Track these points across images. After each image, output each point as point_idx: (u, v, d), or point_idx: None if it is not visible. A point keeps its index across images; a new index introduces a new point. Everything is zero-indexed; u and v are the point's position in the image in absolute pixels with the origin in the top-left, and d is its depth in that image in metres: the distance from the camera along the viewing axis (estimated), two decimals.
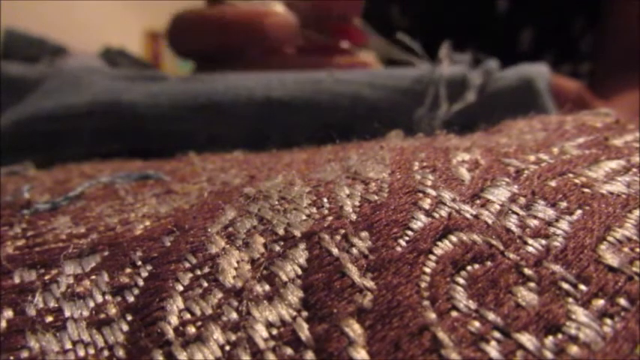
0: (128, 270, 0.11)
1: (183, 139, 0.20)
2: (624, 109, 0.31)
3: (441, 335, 0.09)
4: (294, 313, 0.10)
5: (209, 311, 0.10)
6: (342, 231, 0.11)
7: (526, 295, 0.10)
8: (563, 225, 0.11)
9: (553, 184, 0.12)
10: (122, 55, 0.29)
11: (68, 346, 0.10)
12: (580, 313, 0.09)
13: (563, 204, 0.12)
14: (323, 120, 0.22)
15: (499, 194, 0.12)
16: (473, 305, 0.10)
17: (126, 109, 0.23)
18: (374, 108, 0.22)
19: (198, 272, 0.11)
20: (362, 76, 0.24)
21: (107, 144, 0.22)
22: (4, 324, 0.10)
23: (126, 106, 0.23)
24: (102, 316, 0.10)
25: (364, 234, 0.11)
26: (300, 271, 0.10)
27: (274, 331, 0.10)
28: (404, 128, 0.18)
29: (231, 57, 0.27)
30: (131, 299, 0.11)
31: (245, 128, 0.22)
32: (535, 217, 0.11)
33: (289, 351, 0.09)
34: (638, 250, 0.10)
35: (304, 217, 0.12)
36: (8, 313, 0.11)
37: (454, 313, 0.09)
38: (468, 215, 0.11)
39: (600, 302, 0.09)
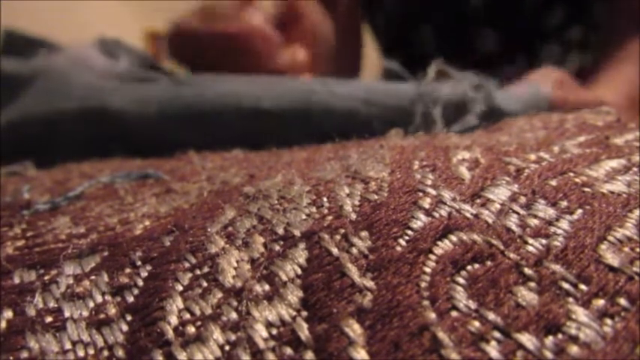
0: (128, 270, 0.11)
1: (172, 149, 0.20)
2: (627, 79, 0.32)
3: (441, 335, 0.09)
4: (294, 313, 0.10)
5: (209, 311, 0.10)
6: (342, 230, 0.11)
7: (526, 295, 0.10)
8: (564, 224, 0.11)
9: (553, 183, 0.12)
10: (118, 45, 0.28)
11: (68, 346, 0.10)
12: (580, 313, 0.09)
13: (564, 203, 0.12)
14: (314, 134, 0.22)
15: (499, 193, 0.12)
16: (473, 305, 0.10)
17: (114, 117, 0.23)
18: (367, 125, 0.22)
19: (198, 272, 0.11)
20: (359, 91, 0.23)
21: (97, 150, 0.22)
22: (4, 324, 0.10)
23: (114, 114, 0.23)
24: (102, 316, 0.10)
25: (364, 233, 0.11)
26: (299, 271, 0.10)
27: (274, 331, 0.10)
28: None
29: (221, 68, 0.28)
30: (131, 299, 0.11)
31: (234, 140, 0.22)
32: (535, 217, 0.11)
33: (289, 351, 0.09)
34: (638, 249, 0.10)
35: (304, 217, 0.12)
36: (8, 314, 0.11)
37: (454, 313, 0.09)
38: (468, 215, 0.11)
39: (600, 302, 0.09)
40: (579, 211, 0.11)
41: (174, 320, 0.10)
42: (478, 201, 0.12)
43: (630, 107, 0.30)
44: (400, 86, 0.24)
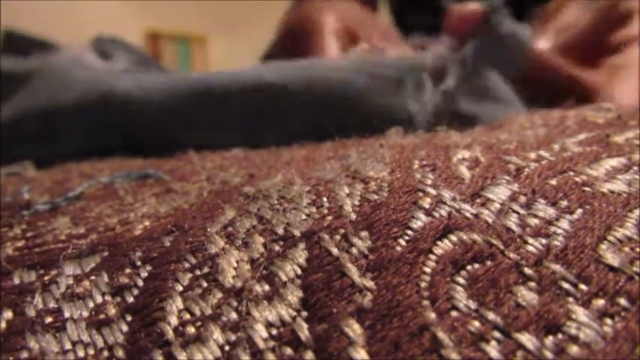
0: (128, 270, 0.11)
1: (178, 129, 0.20)
2: None
3: (441, 335, 0.09)
4: (294, 313, 0.10)
5: (209, 311, 0.10)
6: (342, 230, 0.11)
7: (526, 295, 0.10)
8: (564, 224, 0.11)
9: (554, 182, 0.12)
10: (114, 43, 0.28)
11: (68, 346, 0.10)
12: (580, 313, 0.09)
13: (564, 203, 0.12)
14: (317, 104, 0.22)
15: (499, 193, 0.12)
16: (473, 305, 0.10)
17: (117, 101, 0.23)
18: (364, 93, 0.23)
19: (198, 272, 0.11)
20: (349, 63, 0.24)
21: (100, 139, 0.22)
22: (3, 325, 0.10)
23: (118, 98, 0.23)
24: (101, 316, 0.10)
25: (364, 233, 0.11)
26: (299, 271, 0.10)
27: (274, 331, 0.10)
28: (396, 114, 0.18)
29: None
30: (131, 299, 0.11)
31: (240, 115, 0.22)
32: (535, 216, 0.11)
33: (289, 351, 0.09)
34: (638, 249, 0.10)
35: (304, 217, 0.12)
36: (8, 314, 0.11)
37: (454, 313, 0.09)
38: (468, 214, 0.11)
39: (601, 302, 0.09)
40: (579, 210, 0.11)
41: (174, 320, 0.10)
42: (478, 200, 0.12)
43: None
44: (388, 58, 0.25)
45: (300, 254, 0.11)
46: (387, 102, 0.22)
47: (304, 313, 0.10)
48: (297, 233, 0.11)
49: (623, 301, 0.09)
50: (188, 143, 0.20)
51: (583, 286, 0.10)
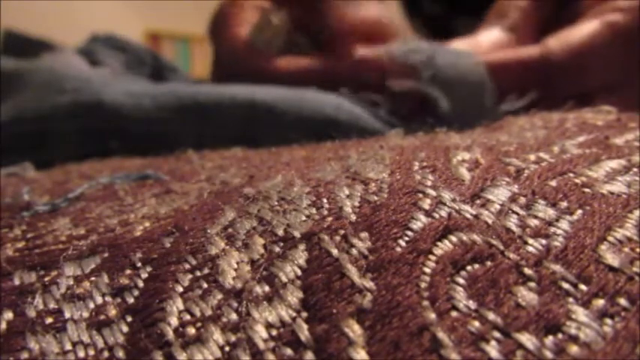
0: (128, 271, 0.11)
1: (170, 141, 0.20)
2: None
3: (441, 335, 0.09)
4: (294, 314, 0.10)
5: (209, 312, 0.10)
6: (342, 231, 0.11)
7: (526, 295, 0.10)
8: (564, 225, 0.11)
9: (553, 183, 0.12)
10: (108, 43, 0.28)
11: (68, 347, 0.10)
12: (580, 313, 0.09)
13: (564, 204, 0.12)
14: (309, 123, 0.23)
15: (499, 194, 0.12)
16: (473, 305, 0.10)
17: (109, 111, 0.23)
18: (355, 117, 0.23)
19: (198, 273, 0.11)
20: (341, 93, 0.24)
21: (94, 144, 0.22)
22: (4, 325, 0.10)
23: (109, 107, 0.23)
24: (102, 317, 0.10)
25: (364, 234, 0.11)
26: (299, 272, 0.10)
27: (274, 332, 0.10)
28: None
29: None
30: (131, 300, 0.11)
31: (231, 130, 0.22)
32: (535, 217, 0.11)
33: (289, 352, 0.09)
34: (638, 250, 0.10)
35: (304, 218, 0.12)
36: (8, 315, 0.11)
37: (454, 313, 0.09)
38: (467, 215, 0.11)
39: (600, 302, 0.09)
40: (579, 211, 0.11)
41: (174, 321, 0.10)
42: (478, 201, 0.12)
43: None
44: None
45: (300, 255, 0.11)
46: (381, 128, 0.23)
47: (304, 314, 0.10)
48: (297, 234, 0.11)
49: (623, 301, 0.09)
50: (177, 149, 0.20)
51: (583, 287, 0.10)
